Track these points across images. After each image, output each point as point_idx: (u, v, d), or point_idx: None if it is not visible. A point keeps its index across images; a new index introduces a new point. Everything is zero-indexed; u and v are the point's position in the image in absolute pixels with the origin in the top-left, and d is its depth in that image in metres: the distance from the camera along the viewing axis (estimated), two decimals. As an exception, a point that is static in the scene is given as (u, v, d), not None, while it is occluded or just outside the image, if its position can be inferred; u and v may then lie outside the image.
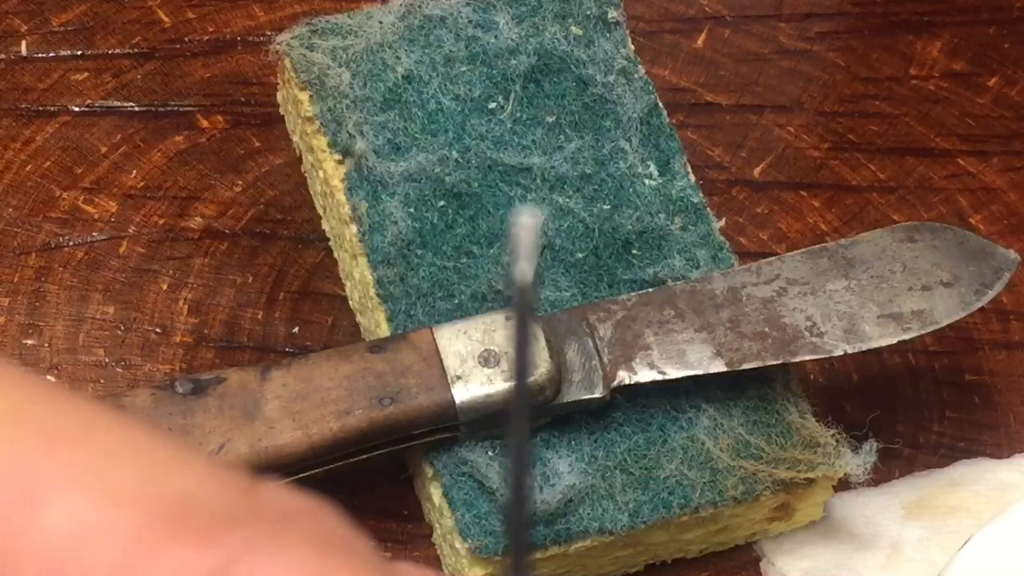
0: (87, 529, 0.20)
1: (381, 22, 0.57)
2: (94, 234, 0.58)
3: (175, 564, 0.20)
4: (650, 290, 0.52)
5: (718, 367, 0.50)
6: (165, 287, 0.57)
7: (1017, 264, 0.53)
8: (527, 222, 0.22)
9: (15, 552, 0.20)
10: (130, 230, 0.59)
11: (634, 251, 0.54)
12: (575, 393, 0.50)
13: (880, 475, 0.52)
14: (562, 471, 0.50)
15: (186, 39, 0.63)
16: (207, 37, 0.63)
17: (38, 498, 0.20)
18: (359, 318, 0.57)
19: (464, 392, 0.49)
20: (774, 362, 0.51)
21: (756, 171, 0.62)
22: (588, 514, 0.49)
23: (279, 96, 0.61)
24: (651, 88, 0.57)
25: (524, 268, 0.22)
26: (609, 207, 0.54)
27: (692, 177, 0.56)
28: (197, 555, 0.21)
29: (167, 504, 0.21)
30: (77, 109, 0.61)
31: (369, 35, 0.56)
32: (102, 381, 0.55)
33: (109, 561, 0.20)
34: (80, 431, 0.21)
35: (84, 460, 0.21)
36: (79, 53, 0.62)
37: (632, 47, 0.58)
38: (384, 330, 0.52)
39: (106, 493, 0.21)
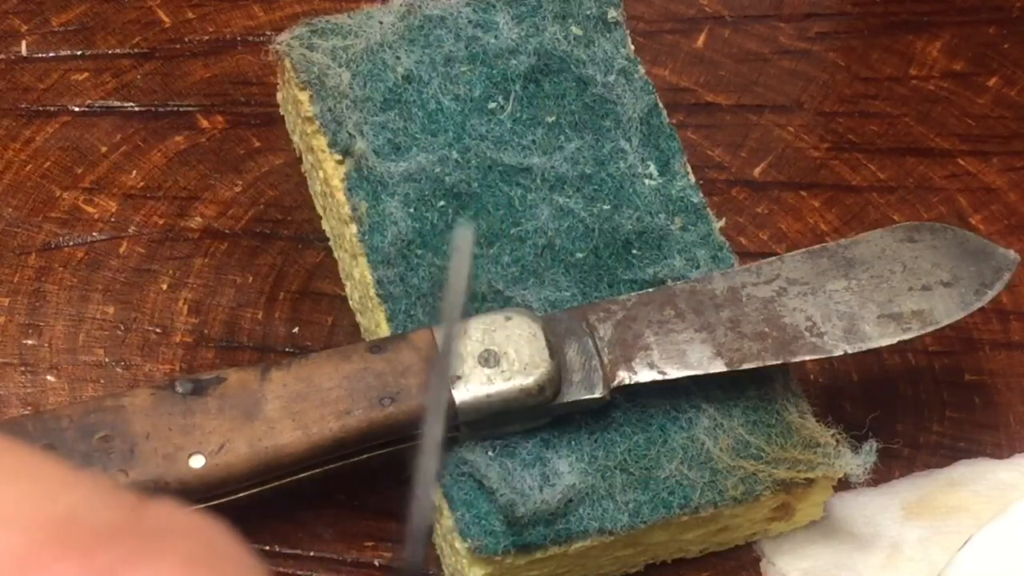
0: None
1: (381, 22, 0.57)
2: (94, 234, 0.58)
3: None
4: (650, 290, 0.52)
5: (718, 367, 0.50)
6: (165, 287, 0.57)
7: (1017, 264, 0.53)
8: (463, 235, 0.24)
9: None
10: (130, 230, 0.59)
11: (634, 251, 0.54)
12: (575, 393, 0.50)
13: (880, 475, 0.52)
14: (562, 471, 0.50)
15: (186, 39, 0.63)
16: (207, 37, 0.63)
17: None
18: (359, 318, 0.57)
19: (464, 392, 0.49)
20: (774, 362, 0.51)
21: (756, 171, 0.62)
22: (588, 514, 0.49)
23: (279, 96, 0.61)
24: (651, 88, 0.57)
25: (458, 279, 0.23)
26: (609, 207, 0.54)
27: (692, 177, 0.56)
28: (74, 572, 0.22)
29: (53, 523, 0.22)
30: (77, 109, 0.61)
31: (369, 35, 0.56)
32: (102, 381, 0.55)
33: None
34: None
35: None
36: (79, 53, 0.62)
37: (632, 47, 0.58)
38: (384, 330, 0.52)
39: (2, 518, 0.22)
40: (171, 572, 0.23)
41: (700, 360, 0.50)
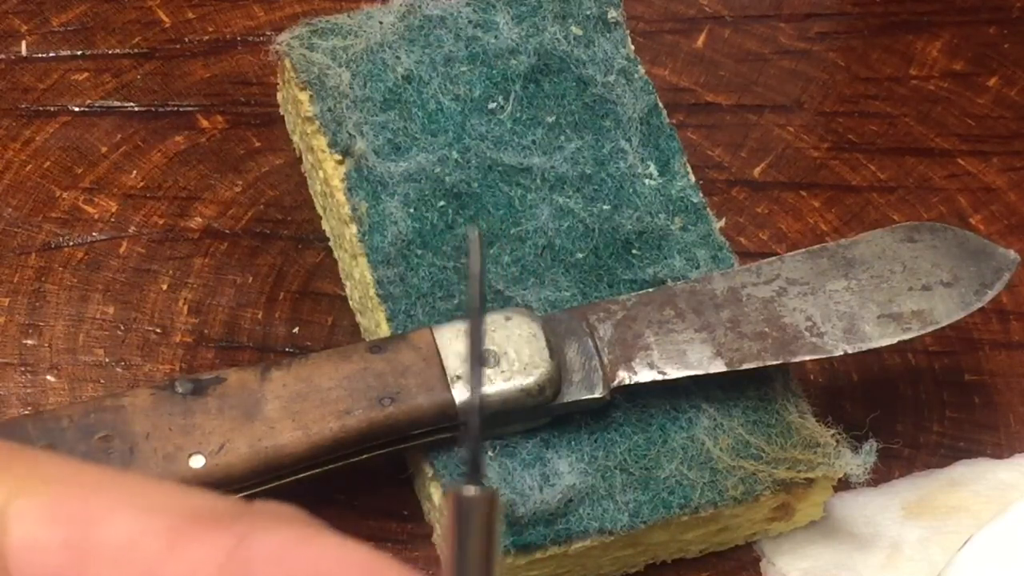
0: (137, 533, 0.28)
1: (381, 22, 0.57)
2: (94, 234, 0.58)
3: (204, 547, 0.28)
4: (650, 290, 0.52)
5: (718, 367, 0.50)
6: (165, 287, 0.57)
7: (1017, 264, 0.53)
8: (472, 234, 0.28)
9: (88, 556, 0.28)
10: (130, 230, 0.59)
11: (634, 251, 0.54)
12: (575, 393, 0.50)
13: (880, 475, 0.52)
14: (562, 471, 0.49)
15: (186, 39, 0.63)
16: (207, 37, 0.63)
17: (97, 521, 0.28)
18: (359, 318, 0.57)
19: (464, 392, 0.49)
20: (774, 362, 0.51)
21: (756, 171, 0.62)
22: (588, 514, 0.49)
23: (279, 96, 0.61)
24: (651, 88, 0.57)
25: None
26: (609, 207, 0.54)
27: (692, 177, 0.56)
28: (218, 538, 0.28)
29: (188, 512, 0.29)
30: (77, 109, 0.61)
31: (369, 35, 0.56)
32: (102, 381, 0.55)
33: (157, 551, 0.28)
34: (115, 480, 0.30)
35: (123, 494, 0.29)
36: (79, 53, 0.62)
37: (632, 47, 0.58)
38: (384, 330, 0.52)
39: (144, 510, 0.29)
40: (292, 531, 0.28)
41: (700, 360, 0.50)
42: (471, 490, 0.28)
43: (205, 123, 0.61)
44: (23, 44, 0.62)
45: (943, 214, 0.61)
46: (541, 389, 0.49)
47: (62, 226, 0.58)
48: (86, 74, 0.62)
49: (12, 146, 0.60)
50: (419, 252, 0.53)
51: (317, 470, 0.49)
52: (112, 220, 0.59)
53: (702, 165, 0.61)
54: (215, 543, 0.28)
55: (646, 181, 0.55)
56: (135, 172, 0.60)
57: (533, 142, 0.55)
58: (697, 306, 0.51)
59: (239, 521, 0.28)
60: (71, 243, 0.58)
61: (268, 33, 0.63)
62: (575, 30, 0.57)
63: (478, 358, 0.29)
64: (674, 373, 0.50)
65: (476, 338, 0.29)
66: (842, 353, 0.51)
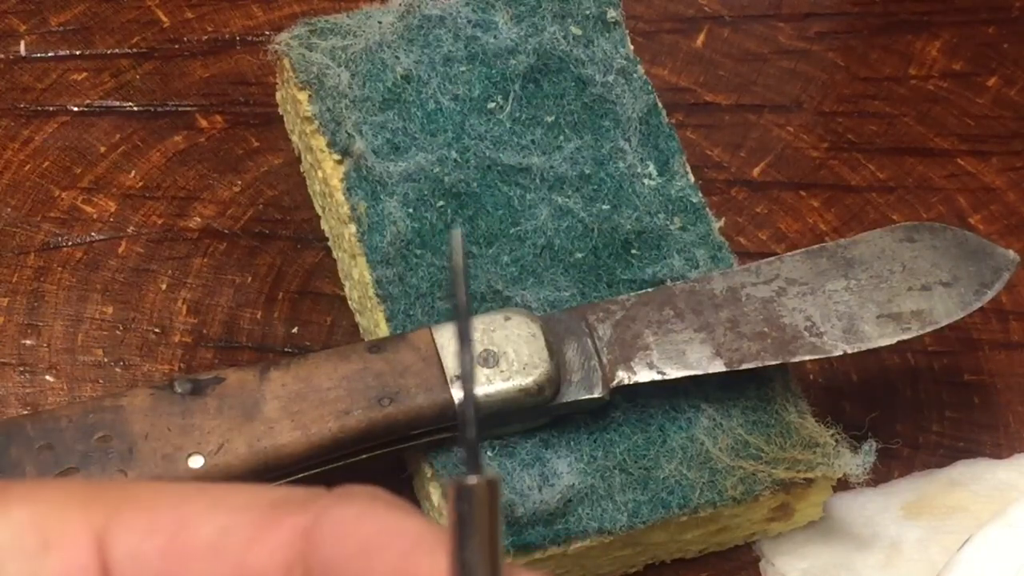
0: (224, 531, 0.31)
1: (380, 22, 0.57)
2: (93, 234, 0.58)
3: (282, 532, 0.31)
4: (649, 290, 0.52)
5: (717, 367, 0.50)
6: (164, 287, 0.57)
7: (1016, 264, 0.53)
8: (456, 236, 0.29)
9: (183, 558, 0.31)
10: (129, 230, 0.59)
11: (633, 251, 0.54)
12: (574, 393, 0.50)
13: (880, 475, 0.52)
14: (561, 471, 0.49)
15: (185, 39, 0.63)
16: (206, 37, 0.63)
17: (189, 525, 0.31)
18: (358, 318, 0.57)
19: (463, 392, 0.49)
20: (773, 362, 0.51)
21: (755, 171, 0.62)
22: (587, 514, 0.49)
23: (278, 96, 0.61)
24: (650, 88, 0.57)
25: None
26: (608, 207, 0.54)
27: (691, 177, 0.56)
28: (295, 522, 0.31)
29: (268, 504, 0.31)
30: (76, 109, 0.61)
31: (368, 35, 0.56)
32: (101, 381, 0.55)
33: (243, 543, 0.31)
34: (201, 490, 0.33)
35: (209, 501, 0.32)
36: (78, 53, 0.62)
37: (631, 47, 0.58)
38: (383, 330, 0.52)
39: (229, 510, 0.31)
40: (363, 505, 0.31)
41: (699, 360, 0.50)
42: (473, 479, 0.29)
43: (204, 123, 0.61)
44: (22, 44, 0.62)
45: (942, 214, 0.61)
46: (540, 389, 0.49)
47: (61, 226, 0.58)
48: (85, 74, 0.62)
49: (11, 146, 0.60)
50: (418, 252, 0.53)
51: (316, 470, 0.49)
52: (111, 220, 0.59)
53: (701, 165, 0.61)
54: (292, 526, 0.31)
55: (645, 181, 0.55)
56: (134, 172, 0.60)
57: (532, 142, 0.55)
58: (696, 306, 0.51)
59: (315, 504, 0.31)
60: (70, 243, 0.58)
61: (267, 33, 0.63)
62: (574, 30, 0.57)
63: (468, 351, 0.30)
64: (673, 373, 0.50)
65: (465, 333, 0.30)
66: (841, 353, 0.51)
